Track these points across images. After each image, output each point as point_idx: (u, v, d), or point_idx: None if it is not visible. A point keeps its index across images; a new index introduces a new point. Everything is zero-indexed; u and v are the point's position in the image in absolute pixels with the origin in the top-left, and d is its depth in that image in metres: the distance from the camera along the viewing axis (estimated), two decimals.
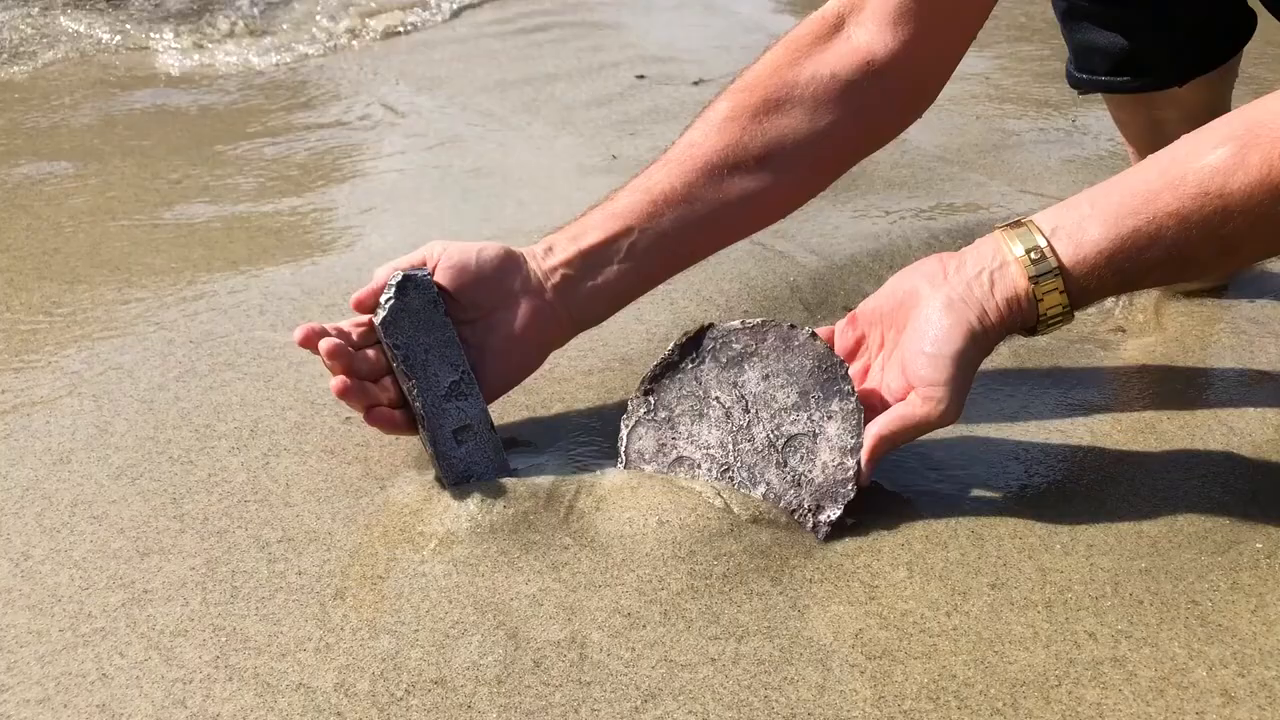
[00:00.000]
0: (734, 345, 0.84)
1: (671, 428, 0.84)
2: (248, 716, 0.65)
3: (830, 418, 0.81)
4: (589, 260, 0.88)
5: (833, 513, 0.79)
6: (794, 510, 0.80)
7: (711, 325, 0.84)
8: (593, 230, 0.89)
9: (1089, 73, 1.12)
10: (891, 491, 0.84)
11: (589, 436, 0.92)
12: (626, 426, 0.85)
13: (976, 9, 0.95)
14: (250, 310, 1.15)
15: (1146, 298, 1.15)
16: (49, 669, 0.69)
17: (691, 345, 0.84)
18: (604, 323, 0.92)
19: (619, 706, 0.66)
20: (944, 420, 0.78)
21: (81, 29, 2.42)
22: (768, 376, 0.83)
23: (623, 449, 0.85)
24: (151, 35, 2.39)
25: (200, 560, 0.78)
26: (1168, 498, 0.84)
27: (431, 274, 0.85)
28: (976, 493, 0.84)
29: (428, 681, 0.68)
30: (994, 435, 0.92)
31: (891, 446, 0.80)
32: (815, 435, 0.81)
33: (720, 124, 0.91)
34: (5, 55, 2.27)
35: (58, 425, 0.95)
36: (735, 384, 0.83)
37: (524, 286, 0.87)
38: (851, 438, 0.80)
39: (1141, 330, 1.11)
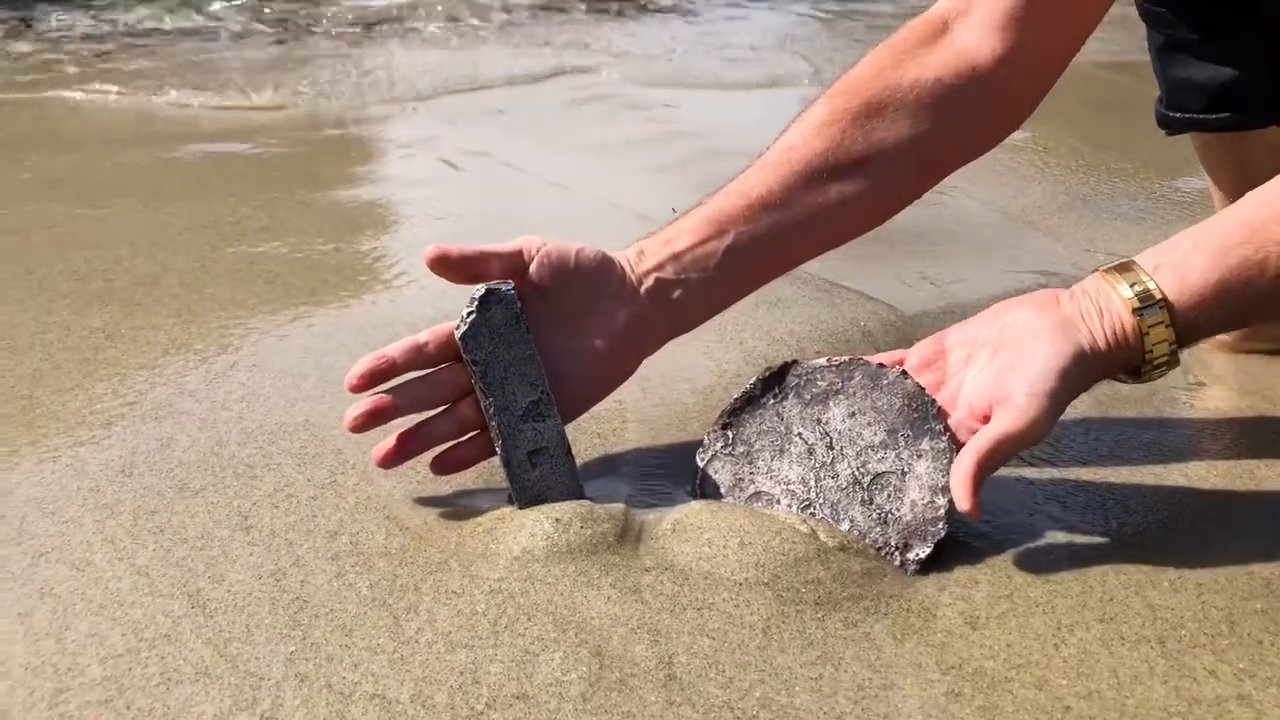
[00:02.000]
0: (819, 383, 0.81)
1: (750, 462, 0.81)
2: None
3: (920, 456, 0.78)
4: (682, 264, 0.86)
5: (921, 551, 0.76)
6: (880, 548, 0.77)
7: (796, 362, 0.82)
8: (686, 234, 0.87)
9: (1182, 110, 1.11)
10: (983, 530, 0.81)
11: (661, 469, 0.89)
12: (702, 460, 0.82)
13: (1085, 20, 0.93)
14: (314, 336, 1.14)
15: (1223, 354, 1.12)
16: (111, 671, 0.66)
17: (774, 380, 0.82)
18: (679, 359, 0.89)
19: None
20: (1038, 433, 0.74)
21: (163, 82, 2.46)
22: (854, 414, 0.80)
23: (697, 482, 0.81)
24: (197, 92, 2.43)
25: (267, 571, 0.75)
26: (1275, 540, 0.80)
27: (529, 264, 0.82)
28: (1075, 530, 0.81)
29: (509, 696, 0.64)
30: (1086, 477, 0.88)
31: (992, 465, 0.74)
32: (904, 474, 0.78)
33: (819, 127, 0.88)
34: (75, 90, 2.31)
35: (119, 439, 0.93)
36: (819, 420, 0.80)
37: (619, 290, 0.84)
38: (942, 476, 0.77)
39: (1219, 382, 1.08)
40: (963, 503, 0.71)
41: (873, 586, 0.74)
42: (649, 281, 0.85)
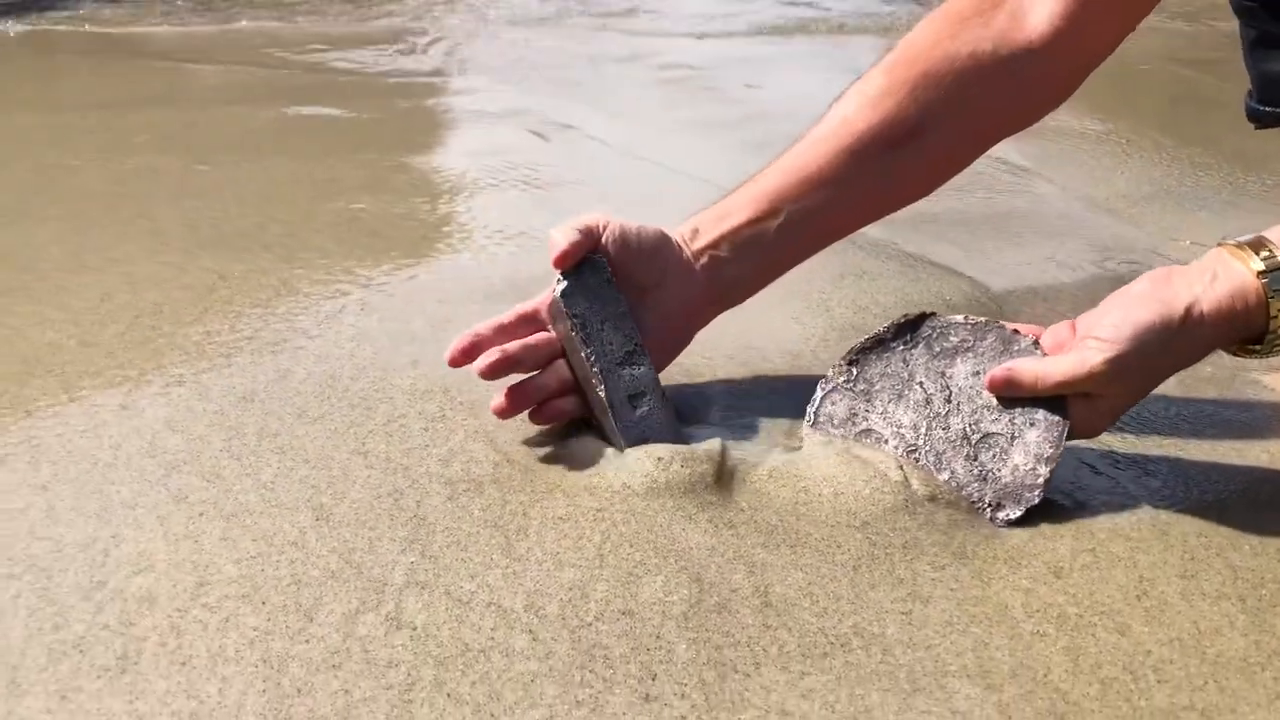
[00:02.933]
0: (951, 338, 0.84)
1: (867, 400, 0.84)
2: (441, 627, 0.66)
3: (1033, 425, 0.80)
4: (736, 241, 0.89)
5: (1013, 512, 0.78)
6: (974, 502, 0.79)
7: (934, 314, 0.85)
8: (739, 210, 0.90)
9: (1273, 104, 1.12)
10: (1069, 490, 0.83)
11: (752, 424, 0.93)
12: (823, 390, 0.85)
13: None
14: (417, 286, 1.19)
15: None
16: (246, 571, 0.71)
17: (908, 328, 0.85)
18: (766, 322, 0.93)
19: (809, 650, 0.65)
20: (1092, 378, 0.75)
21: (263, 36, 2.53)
22: (978, 373, 0.82)
23: (813, 409, 0.85)
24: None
25: (385, 491, 0.80)
26: None
27: (601, 242, 0.87)
28: (1157, 496, 0.83)
29: (615, 611, 0.68)
30: (1170, 449, 0.90)
31: (1022, 384, 0.78)
32: (1013, 438, 0.80)
33: (876, 98, 0.90)
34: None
35: (239, 369, 0.99)
36: (943, 374, 0.83)
37: (675, 267, 0.89)
38: (1051, 448, 0.79)
39: None
40: (988, 375, 0.79)
41: (959, 535, 0.77)
42: (704, 259, 0.89)
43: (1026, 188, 1.61)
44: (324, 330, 1.07)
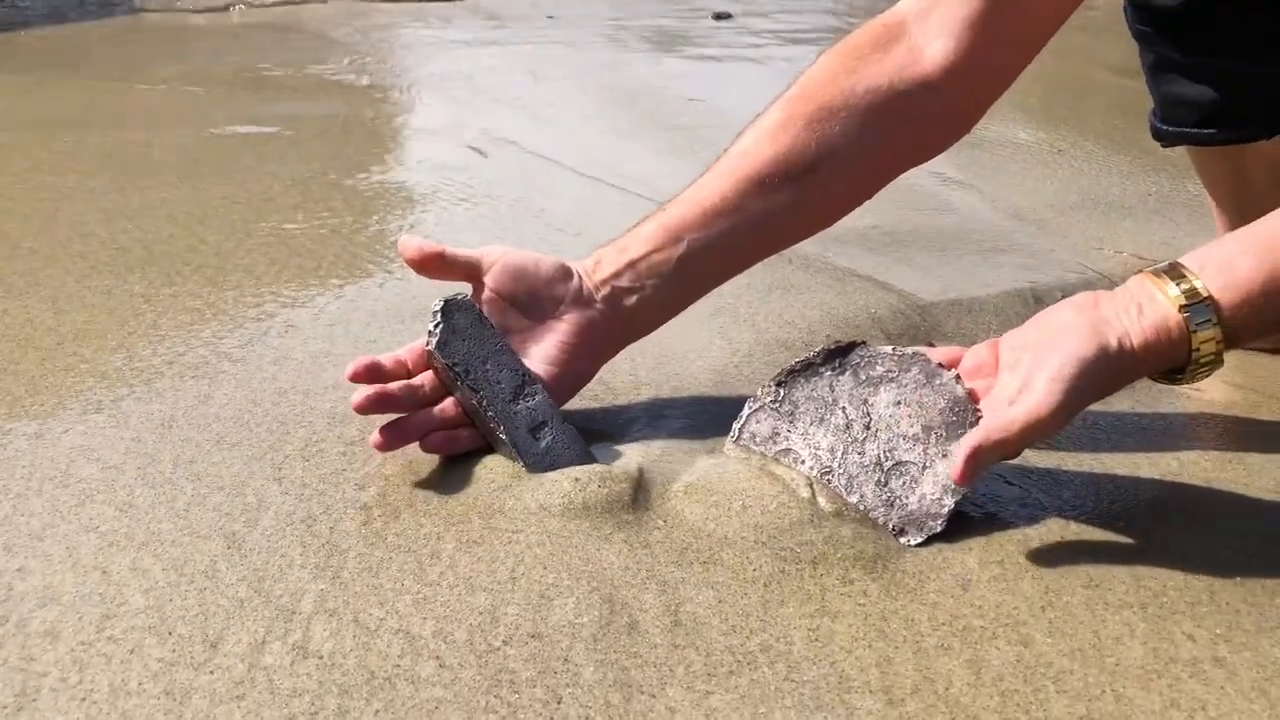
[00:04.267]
0: (878, 367, 0.85)
1: (790, 420, 0.85)
2: (347, 655, 0.66)
3: (945, 456, 0.81)
4: (637, 272, 0.90)
5: (914, 539, 0.79)
6: (878, 525, 0.81)
7: (864, 343, 0.86)
8: (641, 242, 0.90)
9: (1175, 124, 1.14)
10: (978, 502, 0.84)
11: (675, 435, 0.93)
12: (750, 408, 0.86)
13: (1040, 30, 0.95)
14: (344, 306, 1.19)
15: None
16: (154, 601, 0.71)
17: (838, 354, 0.86)
18: (694, 337, 0.94)
19: (716, 669, 0.66)
20: (1052, 421, 0.75)
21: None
22: (899, 403, 0.84)
23: (739, 426, 0.86)
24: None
25: (299, 517, 0.80)
26: (1261, 519, 0.83)
27: (486, 272, 0.88)
28: (1066, 506, 0.84)
29: (524, 635, 0.68)
30: (1081, 458, 0.92)
31: (1000, 448, 0.76)
32: (924, 468, 0.82)
33: (774, 131, 0.91)
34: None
35: (159, 395, 0.98)
36: (866, 401, 0.84)
37: (575, 298, 0.89)
38: None
39: (1218, 375, 1.10)
40: (955, 471, 0.75)
41: (868, 549, 0.77)
42: (605, 290, 0.90)
43: (957, 199, 1.63)
44: (247, 353, 1.07)
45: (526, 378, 0.87)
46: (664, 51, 2.96)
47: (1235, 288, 0.76)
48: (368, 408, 0.84)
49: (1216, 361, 0.77)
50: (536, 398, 0.86)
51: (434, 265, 0.89)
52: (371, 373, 0.85)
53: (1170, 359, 0.77)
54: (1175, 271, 0.78)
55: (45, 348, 1.09)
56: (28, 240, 1.40)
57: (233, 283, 1.26)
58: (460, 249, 0.89)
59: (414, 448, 0.88)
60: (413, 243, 0.89)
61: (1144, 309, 0.77)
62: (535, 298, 0.89)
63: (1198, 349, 0.76)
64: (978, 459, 0.75)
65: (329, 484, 0.84)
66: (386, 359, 0.87)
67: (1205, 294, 0.76)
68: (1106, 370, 0.76)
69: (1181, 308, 0.76)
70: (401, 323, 1.15)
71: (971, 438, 0.76)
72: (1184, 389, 1.07)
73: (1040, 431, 0.76)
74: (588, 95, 2.43)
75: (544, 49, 3.02)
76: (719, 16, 3.33)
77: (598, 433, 0.92)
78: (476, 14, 3.71)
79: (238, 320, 1.15)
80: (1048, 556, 0.77)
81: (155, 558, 0.75)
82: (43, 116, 2.13)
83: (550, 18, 3.61)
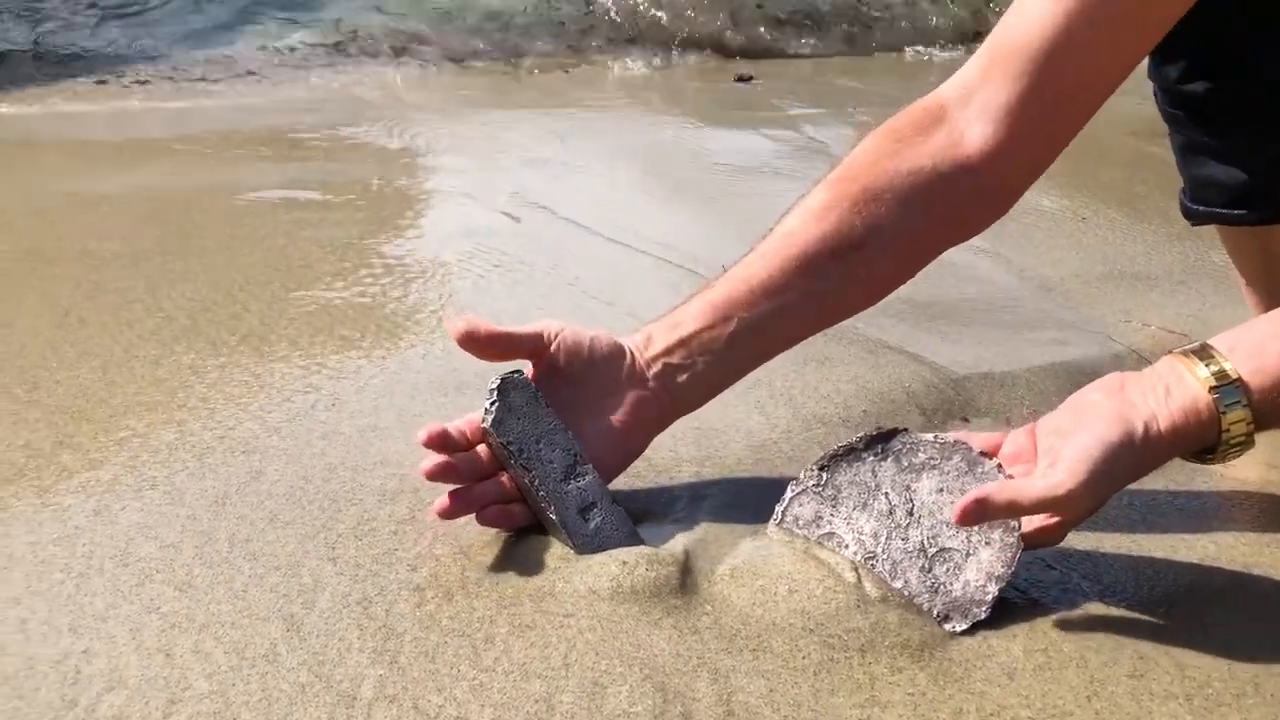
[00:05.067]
0: (920, 454, 0.87)
1: (834, 505, 0.87)
2: None
3: (989, 544, 0.83)
4: (689, 350, 0.92)
5: (958, 625, 0.81)
6: (923, 611, 0.82)
7: (906, 430, 0.88)
8: (691, 320, 0.93)
9: (1205, 205, 1.16)
10: (1020, 587, 0.86)
11: (717, 516, 0.95)
12: (793, 491, 0.88)
13: (1080, 111, 0.97)
14: (388, 379, 1.21)
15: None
16: (218, 686, 0.72)
17: (880, 440, 0.88)
18: (731, 412, 0.96)
19: None
20: (1072, 502, 0.77)
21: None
22: (942, 490, 0.85)
23: (781, 509, 0.88)
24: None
25: (355, 599, 0.82)
26: None
27: (548, 347, 0.90)
28: (1107, 591, 0.85)
29: None
30: (1120, 541, 0.93)
31: (1008, 506, 0.77)
32: (968, 554, 0.83)
33: (819, 212, 0.93)
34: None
35: (212, 470, 1.00)
36: (909, 488, 0.86)
37: (628, 375, 0.91)
38: (1003, 567, 0.81)
39: (1250, 454, 1.12)
40: (955, 508, 0.77)
41: (914, 636, 0.79)
42: (656, 367, 0.92)
43: (983, 269, 1.65)
44: (296, 428, 1.09)
45: (578, 457, 0.89)
46: (688, 113, 3.00)
47: (1266, 371, 0.77)
48: (437, 475, 0.86)
49: (1247, 443, 0.79)
50: (587, 478, 0.88)
51: (499, 346, 0.90)
52: (442, 441, 0.87)
53: (1200, 440, 0.79)
54: (1205, 353, 0.79)
55: (98, 420, 1.11)
56: (77, 307, 1.43)
57: (278, 354, 1.28)
58: (520, 328, 0.91)
59: (461, 524, 0.90)
60: (479, 329, 0.89)
61: (1172, 390, 0.79)
62: (590, 376, 0.91)
63: (1228, 429, 0.78)
64: (981, 507, 0.77)
65: (382, 564, 0.86)
66: (455, 428, 0.89)
67: (1235, 376, 0.77)
68: (1132, 454, 0.78)
69: (1211, 389, 0.78)
70: (445, 395, 1.17)
71: (986, 488, 0.78)
72: (1217, 469, 1.08)
73: (1058, 506, 0.78)
74: (615, 157, 2.47)
75: (569, 111, 3.07)
76: (741, 79, 3.39)
77: (641, 511, 0.93)
78: (503, 75, 3.78)
79: (284, 393, 1.17)
80: (1091, 644, 0.79)
81: (217, 640, 0.77)
82: (83, 182, 2.18)
83: (566, 71, 3.67)
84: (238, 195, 2.04)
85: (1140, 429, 0.78)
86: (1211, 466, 1.06)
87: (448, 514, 0.87)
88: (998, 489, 0.78)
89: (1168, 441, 0.78)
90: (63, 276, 1.57)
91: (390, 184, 2.18)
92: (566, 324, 0.92)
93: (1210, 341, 0.81)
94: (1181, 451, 0.81)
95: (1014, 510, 0.78)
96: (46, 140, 2.66)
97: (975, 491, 0.78)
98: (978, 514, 0.77)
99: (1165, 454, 0.80)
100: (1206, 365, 0.78)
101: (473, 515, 0.88)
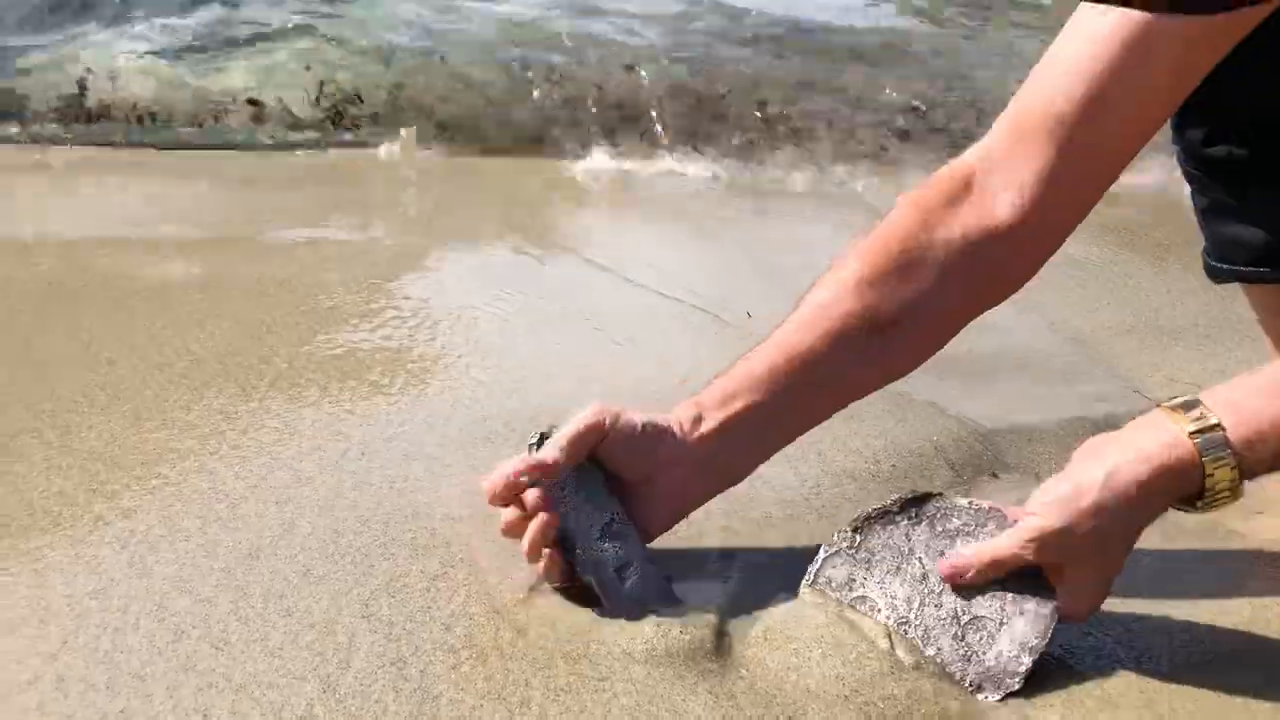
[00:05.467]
0: (954, 520, 0.87)
1: (867, 568, 0.87)
2: None
3: (1023, 614, 0.83)
4: (737, 427, 0.93)
5: (992, 696, 0.81)
6: (956, 680, 0.82)
7: (941, 494, 0.88)
8: (738, 398, 0.93)
9: (1229, 263, 1.17)
10: (1055, 653, 0.85)
11: (749, 574, 0.95)
12: (826, 552, 0.88)
13: (1108, 172, 0.98)
14: (416, 428, 1.22)
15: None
16: None
17: (914, 504, 0.88)
18: (762, 467, 0.97)
19: None
20: (1055, 535, 0.81)
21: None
22: None
23: (814, 569, 0.88)
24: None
25: (390, 659, 0.82)
26: None
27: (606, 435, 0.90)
28: (1142, 657, 0.85)
29: None
30: (1153, 605, 0.93)
31: (987, 571, 0.83)
32: (1001, 624, 0.83)
33: (854, 286, 0.95)
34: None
35: (245, 523, 1.01)
36: (943, 553, 0.86)
37: (673, 455, 0.92)
38: (1037, 638, 0.82)
39: (1278, 512, 1.12)
40: (950, 566, 0.84)
41: (951, 706, 0.79)
42: (705, 445, 0.92)
43: (1011, 321, 1.65)
44: (327, 478, 1.09)
45: (618, 517, 0.89)
46: (709, 159, 3.02)
47: (1249, 426, 0.81)
48: (495, 501, 0.88)
49: (1234, 493, 0.82)
50: (626, 539, 0.89)
51: (571, 457, 0.89)
52: (506, 496, 0.88)
53: (1183, 487, 0.82)
54: (1192, 405, 0.83)
55: (129, 467, 1.12)
56: (106, 349, 1.44)
57: (308, 399, 1.29)
58: (578, 425, 0.89)
59: (495, 583, 0.90)
60: (553, 462, 0.87)
61: (1156, 435, 0.83)
62: (638, 458, 0.91)
63: (1211, 474, 0.81)
64: (954, 571, 0.84)
65: (416, 622, 0.86)
66: (514, 469, 0.89)
67: (1220, 434, 0.81)
68: (1110, 494, 0.81)
69: (1191, 434, 0.81)
70: (474, 446, 1.17)
71: (980, 547, 0.84)
72: (1243, 528, 1.08)
73: (1015, 559, 0.82)
74: (640, 201, 2.49)
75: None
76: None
77: (673, 568, 0.93)
78: None
79: (315, 441, 1.18)
80: (1129, 713, 0.78)
81: (254, 701, 0.77)
82: (111, 218, 2.20)
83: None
84: (260, 232, 2.06)
85: (1100, 478, 0.81)
86: (1239, 527, 1.07)
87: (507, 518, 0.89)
88: (964, 551, 0.84)
89: (1156, 495, 0.82)
90: (95, 314, 1.58)
91: (413, 222, 2.19)
92: (614, 408, 0.91)
93: (1201, 394, 0.84)
94: (1166, 497, 0.83)
95: (979, 564, 0.83)
96: (71, 179, 2.69)
97: (955, 555, 0.84)
98: (954, 576, 0.84)
99: (1146, 501, 0.82)
100: (1192, 418, 0.82)
101: (508, 577, 0.88)
